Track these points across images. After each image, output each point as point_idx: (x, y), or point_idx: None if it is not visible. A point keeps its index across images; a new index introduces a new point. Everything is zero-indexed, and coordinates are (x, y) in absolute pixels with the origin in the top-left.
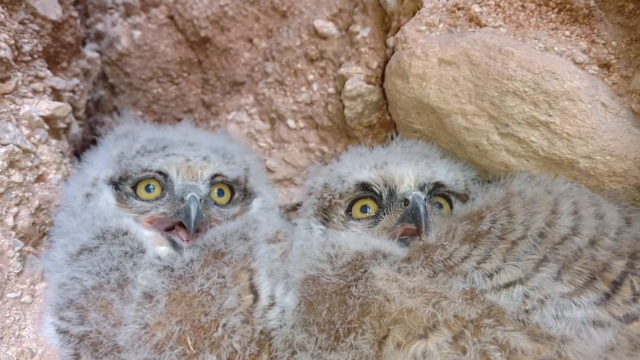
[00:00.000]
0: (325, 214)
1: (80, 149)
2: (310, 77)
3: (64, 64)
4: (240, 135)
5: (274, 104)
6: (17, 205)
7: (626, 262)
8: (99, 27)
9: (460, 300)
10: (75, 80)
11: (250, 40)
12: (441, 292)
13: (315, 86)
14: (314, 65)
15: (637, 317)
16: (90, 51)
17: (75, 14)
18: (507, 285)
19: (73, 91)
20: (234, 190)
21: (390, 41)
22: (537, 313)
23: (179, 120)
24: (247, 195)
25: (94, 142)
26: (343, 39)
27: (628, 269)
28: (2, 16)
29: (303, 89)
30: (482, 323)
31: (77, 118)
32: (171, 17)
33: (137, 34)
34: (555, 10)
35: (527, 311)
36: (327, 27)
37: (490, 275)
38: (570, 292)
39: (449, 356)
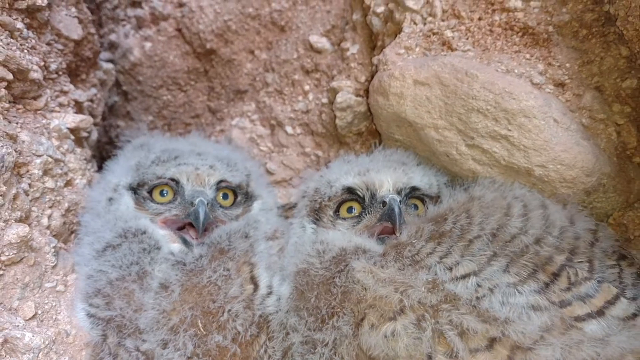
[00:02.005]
0: (316, 214)
1: (96, 150)
2: (307, 87)
3: (83, 76)
4: (243, 140)
5: (273, 112)
6: (50, 207)
7: (566, 256)
8: (113, 37)
9: (424, 289)
10: (93, 90)
11: (252, 52)
12: (408, 282)
13: (310, 96)
14: (309, 76)
15: (571, 302)
16: (105, 63)
17: (93, 30)
18: (464, 277)
19: (91, 100)
20: (237, 194)
21: (375, 60)
22: (487, 300)
23: (188, 124)
24: (249, 198)
25: (109, 143)
26: (335, 53)
27: (567, 263)
28: (33, 41)
29: (300, 98)
30: (440, 307)
31: (95, 124)
32: (179, 30)
33: (148, 45)
34: (519, 34)
35: (478, 298)
36: (321, 42)
37: (450, 269)
38: (515, 282)
39: (412, 335)
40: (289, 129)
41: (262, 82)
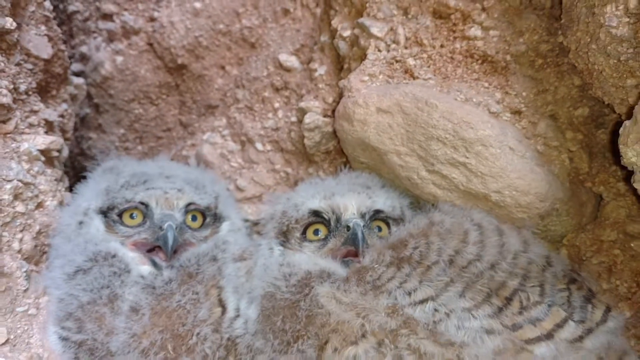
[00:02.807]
0: (284, 236)
1: (68, 161)
2: (276, 104)
3: (54, 92)
4: (214, 155)
5: (244, 128)
6: (21, 231)
7: (519, 281)
8: (83, 49)
9: (384, 314)
10: (64, 106)
11: (223, 68)
12: (370, 307)
13: (280, 113)
14: (279, 94)
15: (522, 326)
16: (76, 77)
17: (63, 47)
18: (422, 302)
19: (62, 116)
20: (206, 216)
21: (341, 84)
22: (444, 324)
23: (159, 138)
24: (217, 219)
25: (81, 154)
26: (305, 72)
27: (519, 287)
28: (2, 64)
29: (270, 115)
30: (399, 332)
31: (66, 139)
32: (150, 45)
33: (119, 59)
34: (479, 61)
35: (435, 322)
36: (290, 60)
37: (409, 294)
38: (470, 306)
39: (373, 359)
40: (259, 146)
41: (233, 98)
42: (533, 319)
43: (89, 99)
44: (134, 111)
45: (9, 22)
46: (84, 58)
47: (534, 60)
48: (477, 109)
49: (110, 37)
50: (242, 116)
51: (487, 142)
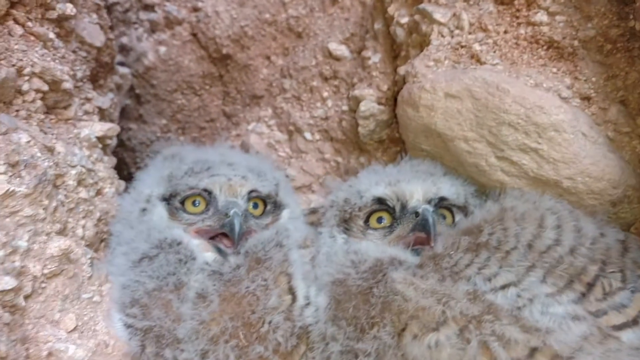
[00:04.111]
0: (346, 224)
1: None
2: (325, 94)
3: (101, 82)
4: (261, 145)
5: (291, 117)
6: (83, 218)
7: (599, 267)
8: (124, 40)
9: (465, 300)
10: (110, 95)
11: (269, 58)
12: (449, 293)
13: (329, 102)
14: (328, 83)
15: (607, 312)
16: (121, 67)
17: (112, 36)
18: (503, 287)
19: (109, 105)
20: (267, 203)
21: (401, 70)
22: (527, 310)
23: (202, 128)
24: (277, 207)
25: (121, 146)
26: (355, 61)
27: (600, 273)
28: (63, 50)
29: (318, 104)
30: (483, 319)
31: None
32: (194, 35)
33: (162, 49)
34: (545, 47)
35: (519, 308)
36: (340, 49)
37: (489, 279)
38: (553, 292)
39: (456, 345)
40: (307, 135)
41: (279, 88)
42: (617, 305)
43: (130, 90)
44: (177, 101)
45: (70, 8)
46: (123, 49)
47: (602, 45)
48: (548, 94)
49: (153, 28)
50: (289, 106)
51: (560, 128)
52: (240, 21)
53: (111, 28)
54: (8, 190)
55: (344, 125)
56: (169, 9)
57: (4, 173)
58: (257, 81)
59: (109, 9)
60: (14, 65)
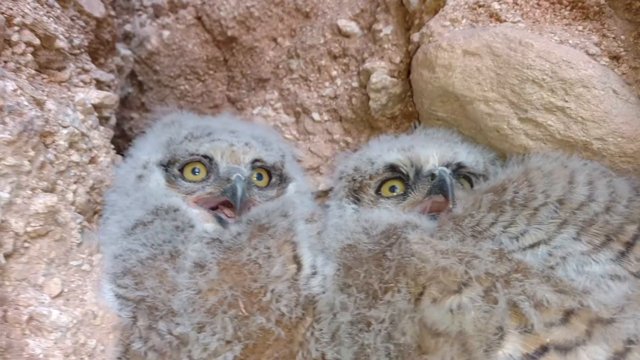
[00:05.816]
0: (356, 195)
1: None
2: (334, 72)
3: (102, 60)
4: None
5: (299, 98)
6: (75, 182)
7: (638, 226)
8: (127, 28)
9: (490, 259)
10: (111, 76)
11: (275, 40)
12: (472, 252)
13: (338, 81)
14: (337, 61)
15: None
16: (123, 49)
17: (113, 13)
18: (532, 246)
19: (109, 86)
20: (272, 175)
21: (415, 37)
22: (560, 269)
23: (206, 114)
24: (283, 180)
25: (122, 137)
26: (365, 36)
27: (639, 233)
28: (59, 11)
29: (327, 84)
30: (511, 277)
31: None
32: (199, 18)
33: (166, 33)
34: (568, 7)
35: (551, 267)
36: (349, 26)
37: (517, 238)
38: (589, 250)
39: (481, 308)
40: (315, 116)
41: (286, 69)
42: None
43: (132, 77)
44: (180, 87)
45: None
46: (127, 37)
47: (631, 3)
48: (575, 49)
49: (157, 13)
50: (296, 87)
51: (589, 83)
52: (246, 2)
53: (112, 5)
54: None
55: (354, 103)
56: None
57: None
58: (263, 64)
59: None
60: (2, 13)
